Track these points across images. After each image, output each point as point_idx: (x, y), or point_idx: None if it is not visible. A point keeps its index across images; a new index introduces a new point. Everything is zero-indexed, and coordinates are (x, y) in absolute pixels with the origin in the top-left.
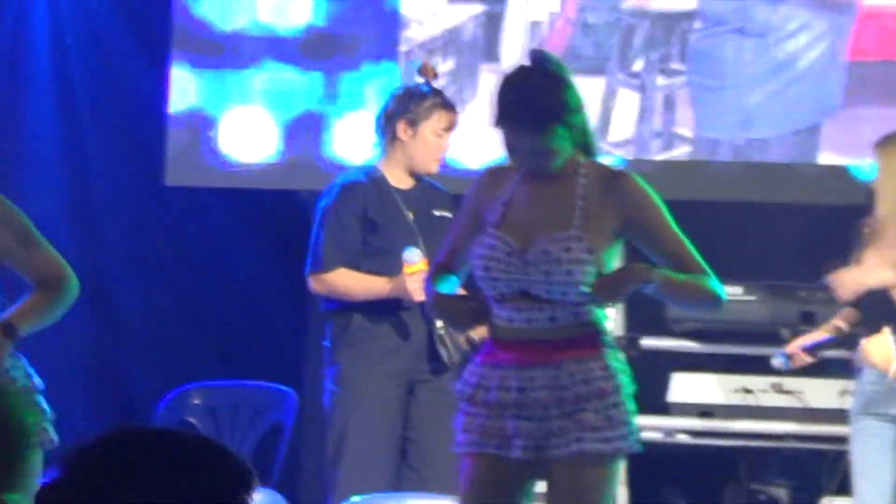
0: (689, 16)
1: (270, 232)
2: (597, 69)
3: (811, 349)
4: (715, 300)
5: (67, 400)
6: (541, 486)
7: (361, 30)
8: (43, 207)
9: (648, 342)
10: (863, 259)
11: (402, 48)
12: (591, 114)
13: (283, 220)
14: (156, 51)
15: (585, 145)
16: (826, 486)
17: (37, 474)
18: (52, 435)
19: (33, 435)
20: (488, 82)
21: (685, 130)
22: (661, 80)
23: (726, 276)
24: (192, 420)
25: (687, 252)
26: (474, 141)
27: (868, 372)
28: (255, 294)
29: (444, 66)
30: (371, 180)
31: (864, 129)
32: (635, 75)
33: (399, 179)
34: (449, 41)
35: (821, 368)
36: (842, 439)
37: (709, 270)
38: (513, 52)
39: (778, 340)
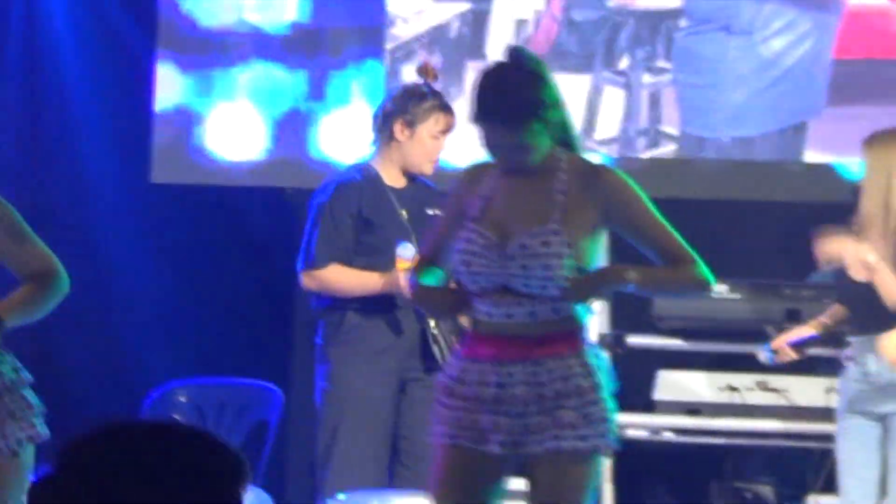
0: (674, 14)
1: (256, 229)
2: (582, 67)
3: (797, 345)
4: (701, 286)
5: (53, 397)
6: (521, 484)
7: (347, 27)
8: (29, 203)
9: (634, 340)
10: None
11: (388, 45)
12: (577, 112)
13: (269, 217)
14: (142, 48)
15: (566, 140)
16: (811, 483)
17: (29, 469)
18: (41, 429)
19: None
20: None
21: (671, 128)
22: (646, 78)
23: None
24: (177, 418)
25: (672, 240)
26: (461, 138)
27: (853, 370)
28: (241, 292)
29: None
30: (366, 178)
31: (849, 128)
32: (621, 73)
33: (393, 178)
34: (435, 38)
35: (806, 366)
36: (827, 437)
37: (695, 257)
38: (499, 50)
39: (763, 338)
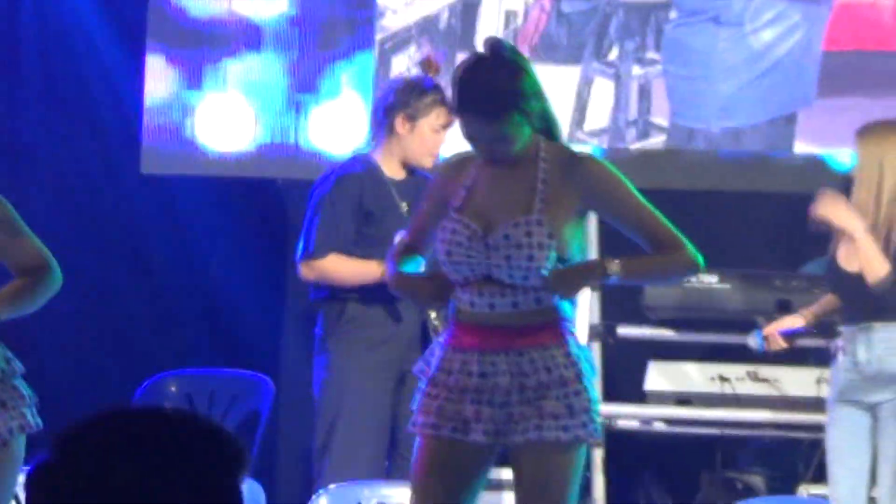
0: (664, 5)
1: (247, 220)
2: (572, 58)
3: (787, 336)
4: (690, 269)
5: (45, 387)
6: (507, 475)
7: (337, 18)
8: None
9: (625, 330)
10: (839, 247)
11: (378, 37)
12: (567, 103)
13: (259, 208)
14: (131, 39)
15: (547, 130)
16: (802, 474)
17: (19, 459)
18: (32, 419)
19: None
20: None
21: (660, 119)
22: (636, 70)
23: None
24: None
25: (658, 224)
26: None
27: (843, 359)
28: (232, 282)
29: (419, 55)
30: (367, 170)
31: (839, 119)
32: (610, 64)
33: (393, 170)
34: (424, 30)
35: (797, 356)
36: (818, 427)
37: (683, 239)
38: None
39: (754, 329)
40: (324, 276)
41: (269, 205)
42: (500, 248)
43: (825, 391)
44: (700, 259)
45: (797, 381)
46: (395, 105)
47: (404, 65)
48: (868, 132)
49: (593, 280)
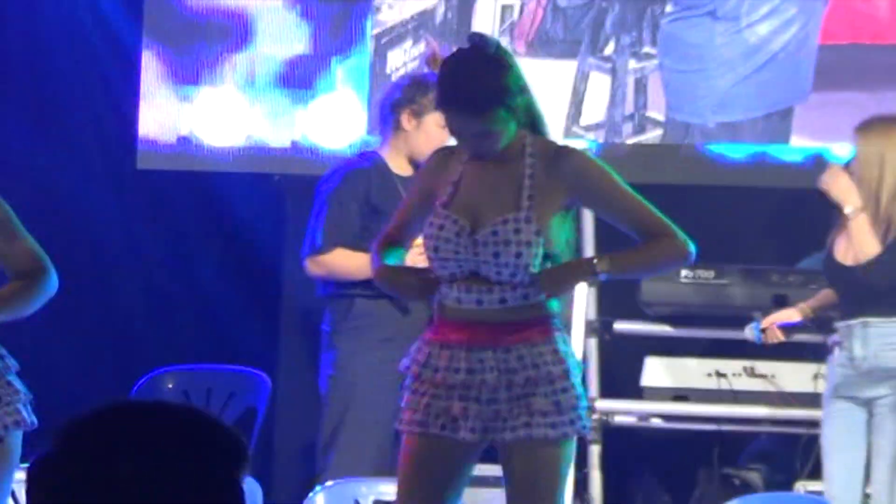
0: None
1: (243, 216)
2: (568, 53)
3: (785, 329)
4: (682, 258)
5: (42, 384)
6: (495, 470)
7: (332, 13)
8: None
9: (622, 326)
10: (837, 241)
11: (374, 31)
12: (563, 98)
13: (256, 203)
14: (126, 33)
15: (533, 125)
16: (799, 470)
17: (14, 454)
18: (27, 415)
19: None
20: None
21: (657, 114)
22: (632, 64)
23: (699, 260)
24: None
25: (647, 214)
26: None
27: (839, 355)
28: (229, 278)
29: (416, 49)
30: (374, 166)
31: (835, 113)
32: (607, 59)
33: (400, 166)
34: (420, 24)
35: (794, 352)
36: (815, 423)
37: (673, 228)
38: None
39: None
40: (330, 270)
41: (266, 200)
42: (488, 244)
43: (822, 387)
44: (692, 246)
45: (794, 376)
46: (401, 101)
47: (400, 59)
48: (869, 128)
49: (582, 278)
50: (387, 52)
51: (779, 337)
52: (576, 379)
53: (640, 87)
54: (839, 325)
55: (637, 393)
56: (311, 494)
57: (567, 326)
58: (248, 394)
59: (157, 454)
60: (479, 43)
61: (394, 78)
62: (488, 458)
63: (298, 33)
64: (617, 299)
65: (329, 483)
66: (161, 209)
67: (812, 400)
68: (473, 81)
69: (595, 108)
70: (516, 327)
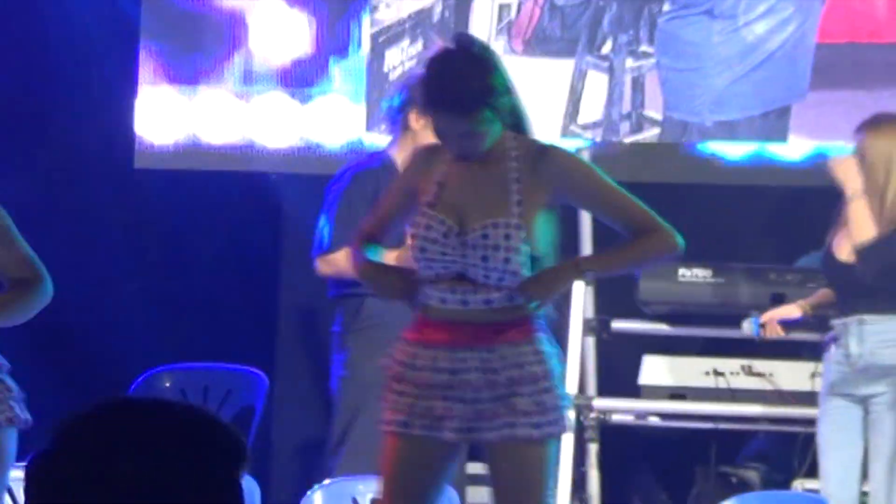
0: None
1: (240, 214)
2: (565, 51)
3: (784, 325)
4: (670, 252)
5: (39, 382)
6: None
7: (330, 11)
8: (10, 191)
9: (619, 325)
10: (835, 238)
11: (371, 30)
12: (560, 96)
13: (253, 202)
14: (125, 31)
15: (516, 125)
16: (797, 468)
17: (8, 451)
18: (21, 413)
19: None
20: None
21: (654, 113)
22: (629, 63)
23: (696, 259)
24: None
25: (632, 208)
26: None
27: (835, 352)
28: (226, 276)
29: (413, 48)
30: (383, 166)
31: (832, 112)
32: (604, 57)
33: None
34: (417, 23)
35: (791, 350)
36: (812, 422)
37: (661, 223)
38: (482, 35)
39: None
40: (340, 269)
41: (263, 198)
42: (477, 247)
43: (820, 385)
44: (679, 239)
45: (792, 375)
46: (409, 101)
47: (398, 58)
48: (879, 128)
49: (569, 281)
50: (384, 50)
51: (779, 332)
52: (558, 380)
53: (638, 85)
54: (835, 322)
55: (635, 391)
56: (308, 493)
57: (565, 325)
58: (245, 392)
59: (157, 453)
60: (465, 43)
61: (391, 77)
62: (472, 455)
63: (296, 32)
64: (615, 298)
65: (327, 481)
66: (158, 208)
67: (809, 398)
68: (459, 82)
69: (592, 106)
70: (500, 328)
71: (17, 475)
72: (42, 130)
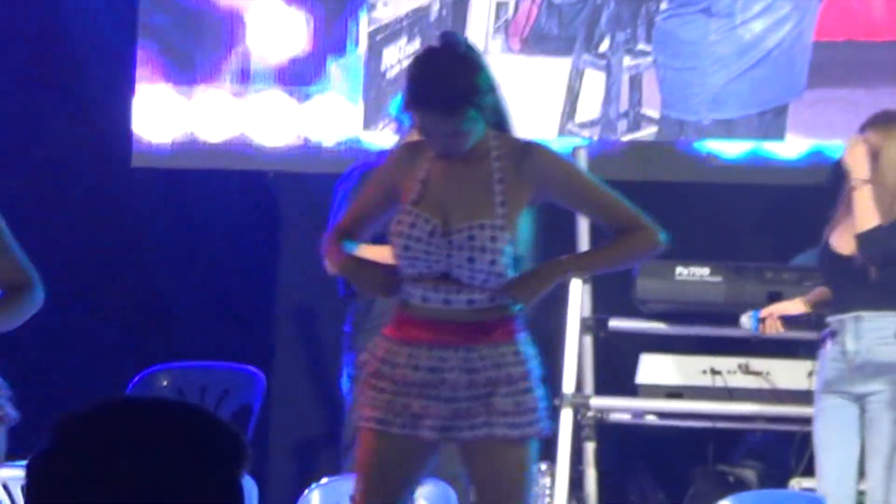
0: None
1: (238, 213)
2: (563, 50)
3: (784, 320)
4: (652, 248)
5: (37, 380)
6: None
7: (327, 9)
8: (9, 191)
9: (616, 323)
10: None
11: (369, 28)
12: (558, 95)
13: (251, 200)
14: (122, 30)
15: (498, 123)
16: (794, 467)
17: (1, 451)
18: (10, 410)
19: None
20: None
21: (651, 111)
22: (627, 61)
23: (693, 257)
24: None
25: (616, 205)
26: None
27: (831, 349)
28: (224, 275)
29: (410, 46)
30: None
31: (830, 110)
32: (601, 56)
33: None
34: (415, 21)
35: (788, 349)
36: (809, 420)
37: (644, 220)
38: (479, 33)
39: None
40: None
41: (261, 197)
42: (463, 248)
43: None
44: (663, 236)
45: (789, 373)
46: None
47: (395, 56)
48: (891, 127)
49: (554, 281)
50: (382, 49)
51: (778, 328)
52: (536, 381)
53: (635, 84)
54: (831, 319)
55: (632, 390)
56: (306, 492)
57: (561, 324)
58: (242, 391)
59: (157, 453)
60: (450, 42)
61: (388, 75)
62: None
63: (293, 30)
64: (611, 296)
65: (324, 480)
66: (156, 206)
67: (806, 397)
68: (444, 80)
69: (590, 105)
70: (481, 328)
71: (8, 473)
72: (39, 129)
